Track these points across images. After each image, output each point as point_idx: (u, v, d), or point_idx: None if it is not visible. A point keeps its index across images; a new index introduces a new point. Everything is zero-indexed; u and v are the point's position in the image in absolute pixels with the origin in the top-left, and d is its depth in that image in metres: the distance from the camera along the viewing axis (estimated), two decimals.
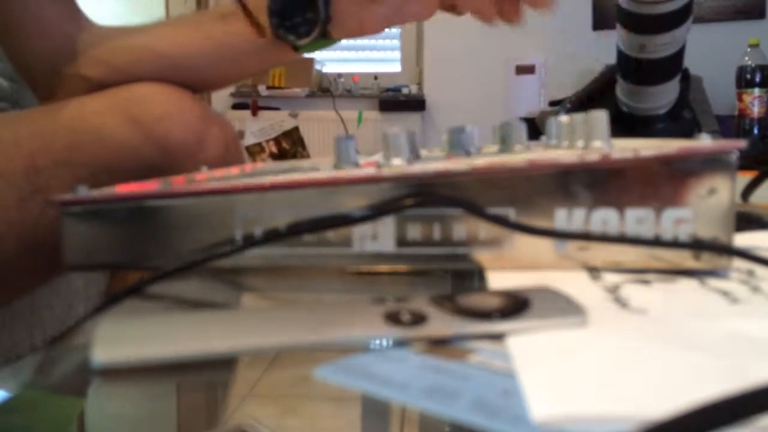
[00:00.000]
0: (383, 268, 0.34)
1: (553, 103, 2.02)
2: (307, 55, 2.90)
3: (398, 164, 0.35)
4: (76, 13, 0.68)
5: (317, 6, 0.62)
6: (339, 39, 0.66)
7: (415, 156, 0.40)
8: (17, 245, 0.53)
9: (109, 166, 0.56)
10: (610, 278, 0.31)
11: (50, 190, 0.53)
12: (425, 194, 0.33)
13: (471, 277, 0.34)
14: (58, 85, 0.65)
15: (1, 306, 0.64)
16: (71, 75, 0.65)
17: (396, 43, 3.02)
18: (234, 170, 0.49)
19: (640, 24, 1.07)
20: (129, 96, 0.60)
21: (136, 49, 0.66)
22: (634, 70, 1.16)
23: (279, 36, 0.64)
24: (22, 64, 0.67)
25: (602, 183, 0.32)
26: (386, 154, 0.36)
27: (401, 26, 2.94)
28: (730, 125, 1.88)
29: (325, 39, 0.65)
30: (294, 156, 2.86)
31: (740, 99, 1.85)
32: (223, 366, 0.24)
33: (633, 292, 0.29)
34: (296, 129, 2.90)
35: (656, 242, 0.32)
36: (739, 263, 0.32)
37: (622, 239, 0.32)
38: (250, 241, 0.33)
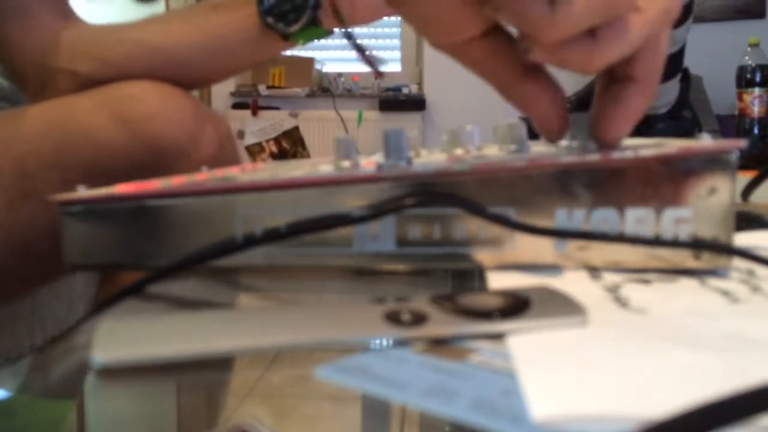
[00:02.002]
0: (383, 268, 0.34)
1: None
2: (306, 55, 2.91)
3: (398, 164, 0.35)
4: (66, 10, 0.68)
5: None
6: (331, 30, 0.65)
7: (413, 156, 0.40)
8: (7, 249, 0.52)
9: (99, 167, 0.55)
10: (610, 278, 0.31)
11: (40, 193, 0.52)
12: (425, 194, 0.33)
13: (471, 277, 0.34)
14: (48, 81, 0.64)
15: None
16: (62, 71, 0.64)
17: (396, 43, 3.02)
18: (234, 170, 0.49)
19: None
20: (119, 95, 0.59)
21: (128, 43, 0.65)
22: None
23: (268, 24, 0.63)
24: (11, 60, 0.66)
25: (602, 183, 0.32)
26: (385, 154, 0.36)
27: (400, 25, 2.94)
28: (730, 125, 1.88)
29: (316, 28, 0.64)
30: (294, 156, 2.86)
31: (740, 98, 1.85)
32: (223, 366, 0.24)
33: (633, 291, 0.29)
34: (296, 129, 2.90)
35: (656, 242, 0.32)
36: (739, 263, 0.32)
37: (622, 239, 0.32)
38: (250, 241, 0.33)
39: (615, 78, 0.34)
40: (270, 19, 0.63)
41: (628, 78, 0.33)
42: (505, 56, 0.33)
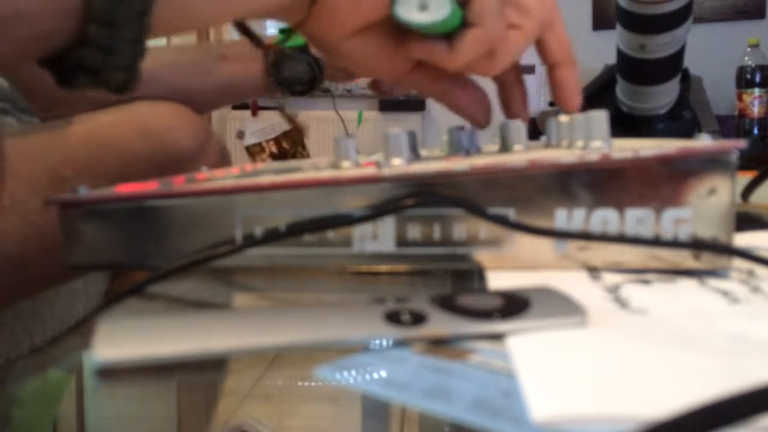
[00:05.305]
0: (383, 268, 0.34)
1: (553, 103, 2.02)
2: None
3: (398, 164, 0.35)
4: None
5: (314, 72, 0.75)
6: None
7: (415, 156, 0.40)
8: (40, 248, 0.56)
9: (125, 174, 0.60)
10: (610, 278, 0.31)
11: None
12: (425, 194, 0.33)
13: (471, 277, 0.34)
14: (57, 100, 0.69)
15: (10, 305, 0.66)
16: (78, 96, 0.67)
17: None
18: (234, 170, 0.49)
19: (640, 24, 1.07)
20: (140, 111, 0.68)
21: (147, 83, 0.70)
22: (634, 70, 1.16)
23: (277, 87, 0.76)
24: (21, 79, 0.71)
25: (602, 183, 0.32)
26: (386, 154, 0.36)
27: None
28: (730, 125, 1.88)
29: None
30: (294, 156, 2.86)
31: (740, 99, 1.85)
32: (223, 366, 0.24)
33: (633, 292, 0.29)
34: (296, 129, 2.89)
35: (656, 242, 0.32)
36: (739, 263, 0.32)
37: (622, 239, 0.32)
38: (250, 241, 0.33)
39: (550, 67, 0.48)
40: (280, 86, 0.75)
41: (553, 65, 0.47)
42: (435, 77, 0.46)
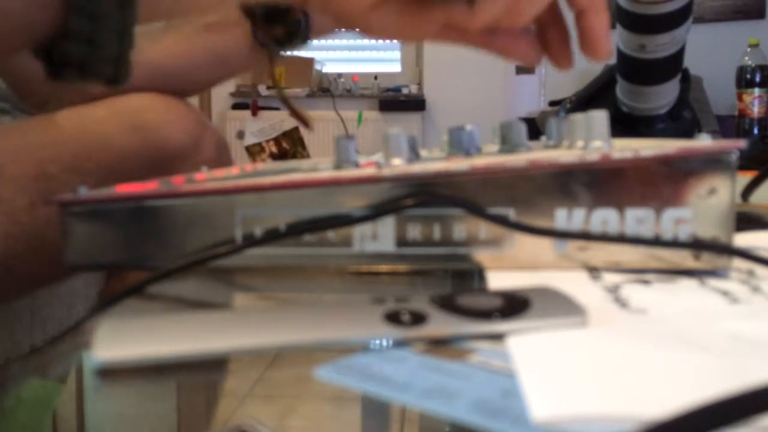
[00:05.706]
0: (383, 268, 0.34)
1: (553, 103, 2.02)
2: (307, 55, 2.90)
3: (398, 164, 0.35)
4: None
5: (299, 22, 0.69)
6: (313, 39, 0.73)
7: (415, 156, 0.40)
8: (27, 247, 0.55)
9: (114, 171, 0.59)
10: (610, 278, 0.31)
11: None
12: (425, 194, 0.33)
13: (471, 277, 0.34)
14: (50, 94, 0.67)
15: (1, 305, 0.65)
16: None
17: (396, 43, 3.02)
18: (234, 170, 0.49)
19: (640, 24, 1.07)
20: (130, 105, 0.65)
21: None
22: (634, 70, 1.16)
23: (261, 43, 0.70)
24: (14, 74, 0.69)
25: (602, 183, 0.32)
26: (386, 154, 0.36)
27: None
28: (730, 125, 1.88)
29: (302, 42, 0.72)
30: (294, 156, 2.86)
31: (740, 99, 1.85)
32: (222, 366, 0.24)
33: (633, 292, 0.29)
34: (296, 129, 2.90)
35: (656, 242, 0.32)
36: (739, 263, 0.32)
37: (622, 239, 0.32)
38: (250, 241, 0.33)
39: (577, 14, 0.44)
40: (264, 42, 0.70)
41: (580, 12, 0.44)
42: (463, 32, 0.44)
